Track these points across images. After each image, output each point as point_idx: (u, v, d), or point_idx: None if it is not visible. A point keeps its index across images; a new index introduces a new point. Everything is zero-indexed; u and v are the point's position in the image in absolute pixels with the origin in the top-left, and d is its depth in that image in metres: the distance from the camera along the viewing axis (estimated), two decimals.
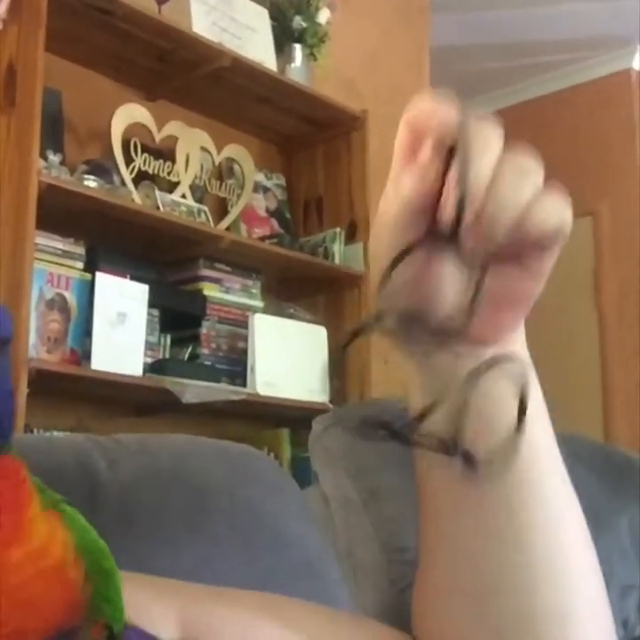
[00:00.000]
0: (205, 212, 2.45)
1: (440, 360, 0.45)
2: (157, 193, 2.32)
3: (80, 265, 2.09)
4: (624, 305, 3.95)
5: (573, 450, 1.03)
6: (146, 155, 2.31)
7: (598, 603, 0.47)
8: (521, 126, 4.33)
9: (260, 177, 2.71)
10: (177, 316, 2.31)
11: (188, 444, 0.79)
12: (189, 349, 2.34)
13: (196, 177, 2.44)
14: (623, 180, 4.03)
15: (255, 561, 0.69)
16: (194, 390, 2.12)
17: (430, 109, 0.42)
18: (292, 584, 0.70)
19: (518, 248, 0.42)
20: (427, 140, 0.42)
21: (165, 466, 0.74)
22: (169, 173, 2.36)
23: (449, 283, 0.43)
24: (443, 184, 0.41)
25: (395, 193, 0.43)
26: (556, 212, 0.41)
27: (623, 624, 0.92)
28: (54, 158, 2.09)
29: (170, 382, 2.10)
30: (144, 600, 0.45)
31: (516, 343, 0.47)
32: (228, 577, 0.66)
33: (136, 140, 2.29)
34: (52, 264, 2.02)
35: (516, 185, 0.40)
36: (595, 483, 0.96)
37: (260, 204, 2.70)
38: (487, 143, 0.41)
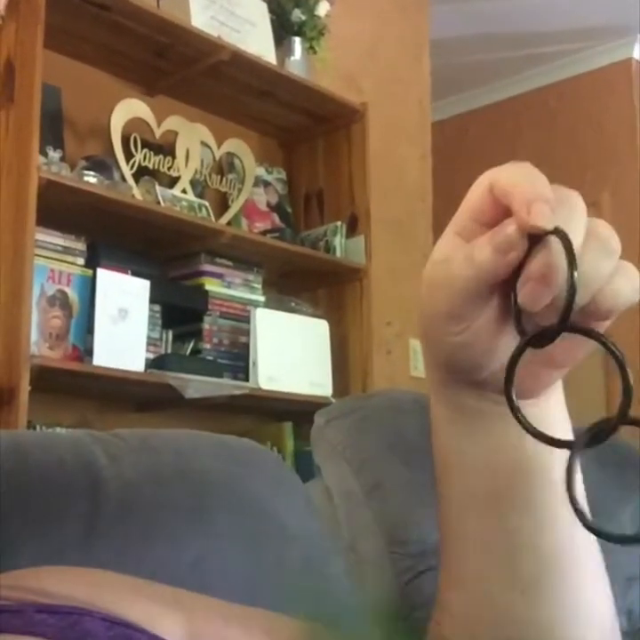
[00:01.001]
0: (206, 207, 2.44)
1: (470, 403, 0.46)
2: (158, 188, 2.31)
3: (81, 261, 2.09)
4: None
5: None
6: (146, 150, 2.30)
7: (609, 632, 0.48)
8: (522, 117, 4.33)
9: (261, 171, 2.71)
10: (178, 312, 2.31)
11: (189, 438, 0.79)
12: (191, 344, 2.34)
13: (196, 172, 2.43)
14: (624, 170, 4.02)
15: (258, 555, 0.69)
16: (196, 385, 2.12)
17: (527, 186, 0.39)
18: (295, 578, 0.70)
19: (582, 320, 0.41)
20: (513, 211, 0.39)
21: (167, 461, 0.74)
22: (169, 168, 2.36)
23: (505, 346, 0.42)
24: (520, 265, 0.39)
25: (463, 251, 0.41)
26: (630, 285, 0.40)
27: (627, 615, 0.92)
28: (54, 154, 2.09)
29: (172, 378, 2.10)
30: (152, 614, 0.45)
31: (550, 399, 0.47)
32: (230, 571, 0.66)
33: (136, 135, 2.29)
34: (52, 260, 2.02)
35: (599, 264, 0.39)
36: (597, 474, 0.96)
37: (261, 198, 2.70)
38: (579, 224, 0.39)
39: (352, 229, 2.62)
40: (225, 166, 2.61)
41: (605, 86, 4.11)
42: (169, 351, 2.27)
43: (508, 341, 0.42)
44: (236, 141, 2.57)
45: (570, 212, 0.39)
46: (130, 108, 2.32)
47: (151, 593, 0.48)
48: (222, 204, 2.56)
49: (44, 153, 2.05)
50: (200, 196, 2.46)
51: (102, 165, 2.18)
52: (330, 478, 0.96)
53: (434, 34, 3.34)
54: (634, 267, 0.40)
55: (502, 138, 4.36)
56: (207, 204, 2.45)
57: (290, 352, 2.36)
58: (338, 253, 2.59)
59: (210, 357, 2.33)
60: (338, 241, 2.60)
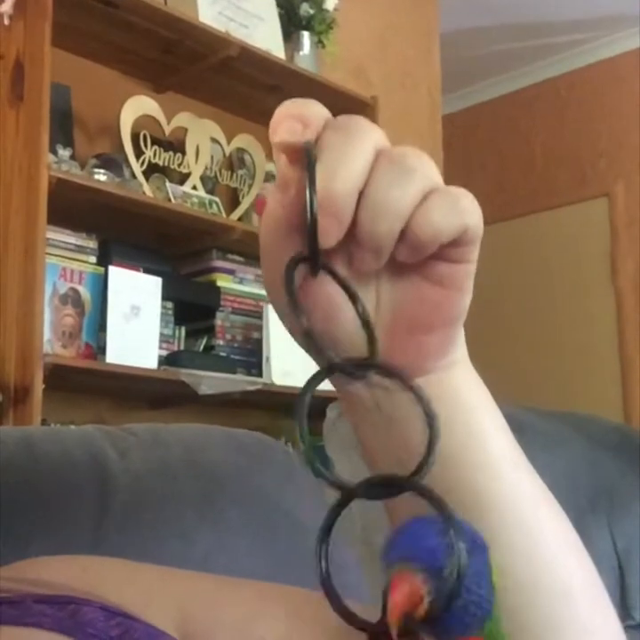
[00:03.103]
0: (217, 203, 2.44)
1: (361, 392, 0.41)
2: (168, 185, 2.31)
3: (93, 259, 2.09)
4: None
5: (590, 431, 1.02)
6: (156, 147, 2.30)
7: (598, 607, 0.44)
8: (533, 108, 4.30)
9: (271, 166, 2.70)
10: (191, 308, 2.31)
11: (199, 433, 0.79)
12: (204, 341, 2.34)
13: (206, 168, 2.43)
14: (637, 160, 3.99)
15: (268, 549, 0.69)
16: (210, 382, 2.12)
17: (281, 110, 0.37)
18: (306, 571, 0.69)
19: (415, 259, 0.36)
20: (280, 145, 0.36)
21: (177, 455, 0.73)
22: (179, 165, 2.36)
23: (347, 306, 0.38)
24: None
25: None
26: (449, 212, 0.35)
27: None
28: (64, 153, 2.09)
29: (185, 374, 2.09)
30: (144, 595, 0.45)
31: (452, 374, 0.41)
32: (240, 565, 0.65)
33: (145, 132, 2.29)
34: (64, 259, 2.02)
35: (392, 185, 0.35)
36: (611, 463, 0.95)
37: None
38: (349, 142, 0.35)
39: None
40: (235, 162, 2.61)
41: (617, 76, 4.08)
42: (182, 348, 2.27)
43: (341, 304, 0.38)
44: (245, 137, 2.57)
45: (346, 135, 0.36)
46: (139, 106, 2.32)
47: (143, 578, 0.47)
48: (233, 199, 2.56)
49: (54, 151, 2.05)
50: (211, 192, 2.46)
51: (112, 163, 2.18)
52: (342, 472, 0.96)
53: (444, 26, 3.33)
54: (461, 190, 0.36)
55: (514, 129, 4.34)
56: (218, 200, 2.45)
57: None
58: None
59: (223, 353, 2.33)
60: None
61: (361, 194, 0.35)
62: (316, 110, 0.37)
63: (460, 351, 0.41)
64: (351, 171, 0.35)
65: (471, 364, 0.42)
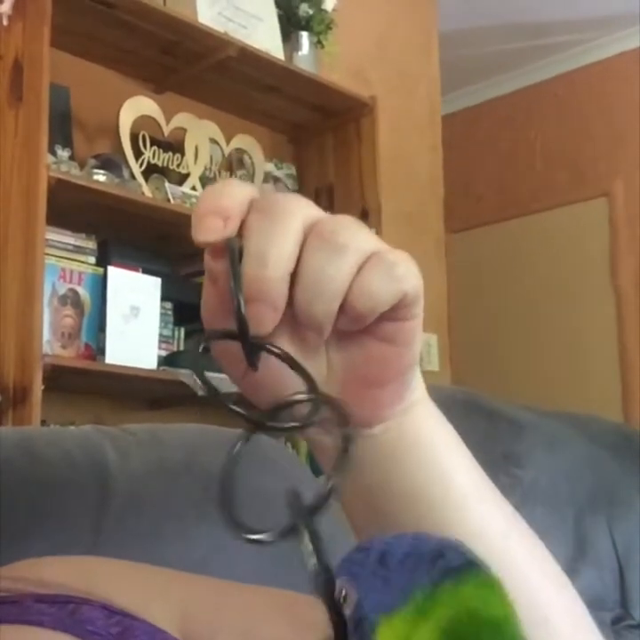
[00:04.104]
0: None
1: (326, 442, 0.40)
2: (167, 185, 2.31)
3: (92, 260, 2.09)
4: None
5: (590, 431, 1.02)
6: (155, 148, 2.30)
7: (581, 633, 0.43)
8: (532, 108, 4.30)
9: (270, 167, 2.70)
10: (190, 309, 2.30)
11: (199, 433, 0.79)
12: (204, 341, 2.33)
13: (205, 168, 2.43)
14: (636, 160, 3.99)
15: (269, 549, 0.68)
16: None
17: (202, 203, 0.36)
18: (305, 572, 0.69)
19: (358, 327, 0.36)
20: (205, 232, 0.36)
21: (176, 456, 0.73)
22: (178, 166, 2.36)
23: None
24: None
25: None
26: (386, 281, 0.35)
27: None
28: (63, 153, 2.09)
29: (185, 375, 2.09)
30: (145, 595, 0.45)
31: (407, 418, 0.40)
32: (241, 565, 0.65)
33: (145, 133, 2.29)
34: (63, 259, 2.02)
35: (325, 262, 0.34)
36: (611, 463, 0.95)
37: None
38: (276, 224, 0.35)
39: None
40: (234, 162, 2.61)
41: (616, 75, 4.08)
42: (181, 348, 2.27)
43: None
44: (244, 137, 2.57)
45: (272, 217, 0.35)
46: (138, 106, 2.32)
47: (143, 579, 0.47)
48: None
49: (53, 152, 2.05)
50: None
51: (111, 164, 2.18)
52: None
53: (442, 26, 3.33)
54: (398, 255, 0.36)
55: (513, 129, 4.34)
56: None
57: None
58: None
59: None
60: None
61: (295, 274, 0.35)
62: (236, 196, 0.36)
63: (417, 392, 0.41)
64: (280, 254, 0.34)
65: (432, 403, 0.42)
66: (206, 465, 0.72)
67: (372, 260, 0.35)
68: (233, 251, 0.35)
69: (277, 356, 0.36)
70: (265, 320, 0.35)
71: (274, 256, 0.34)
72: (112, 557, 0.50)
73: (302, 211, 0.35)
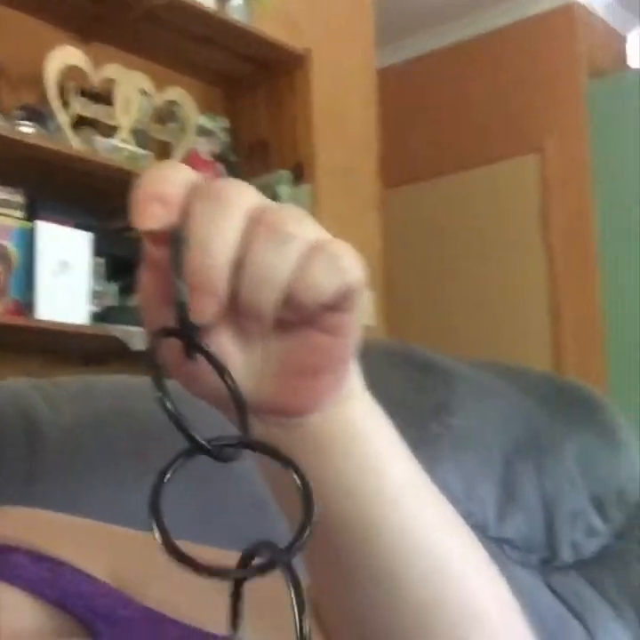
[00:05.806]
0: (149, 157, 2.40)
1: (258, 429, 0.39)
2: (98, 138, 2.26)
3: (20, 214, 2.04)
4: (572, 241, 3.98)
5: (522, 382, 1.04)
6: (83, 99, 2.24)
7: (510, 627, 0.43)
8: (465, 63, 4.31)
9: (203, 120, 2.66)
10: (123, 264, 2.28)
11: (131, 383, 0.78)
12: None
13: (136, 121, 2.38)
14: (569, 116, 4.03)
15: (200, 495, 0.69)
16: (142, 337, 2.10)
17: (143, 187, 0.35)
18: (238, 516, 0.69)
19: (299, 317, 0.36)
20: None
21: (108, 406, 0.72)
22: (108, 118, 2.30)
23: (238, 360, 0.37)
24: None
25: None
26: (329, 273, 0.35)
27: (573, 547, 0.94)
28: None
29: (118, 330, 2.07)
30: (73, 544, 0.45)
31: (341, 410, 0.40)
32: (173, 512, 0.65)
33: (72, 84, 2.23)
34: None
35: (269, 253, 0.34)
36: (541, 411, 0.97)
37: (204, 147, 2.66)
38: (219, 211, 0.34)
39: (298, 178, 2.60)
40: (165, 115, 2.56)
41: (548, 31, 4.10)
42: (115, 304, 2.24)
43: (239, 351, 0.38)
44: (176, 89, 2.52)
45: (215, 204, 0.34)
46: (64, 56, 2.25)
47: (72, 528, 0.47)
48: (165, 154, 2.52)
49: None
50: (142, 146, 2.41)
51: (38, 115, 2.12)
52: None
53: None
54: (341, 246, 0.36)
55: (448, 84, 4.34)
56: (150, 154, 2.40)
57: None
58: (284, 202, 2.57)
59: None
60: (284, 189, 2.58)
61: (238, 262, 0.34)
62: (178, 181, 0.35)
63: (354, 383, 0.41)
64: (223, 243, 0.34)
65: (369, 395, 0.42)
66: (140, 415, 0.71)
67: (317, 251, 0.35)
68: (176, 239, 0.34)
69: (211, 362, 0.35)
70: (207, 310, 0.34)
71: (218, 244, 0.34)
72: (43, 508, 0.50)
73: (246, 199, 0.35)
